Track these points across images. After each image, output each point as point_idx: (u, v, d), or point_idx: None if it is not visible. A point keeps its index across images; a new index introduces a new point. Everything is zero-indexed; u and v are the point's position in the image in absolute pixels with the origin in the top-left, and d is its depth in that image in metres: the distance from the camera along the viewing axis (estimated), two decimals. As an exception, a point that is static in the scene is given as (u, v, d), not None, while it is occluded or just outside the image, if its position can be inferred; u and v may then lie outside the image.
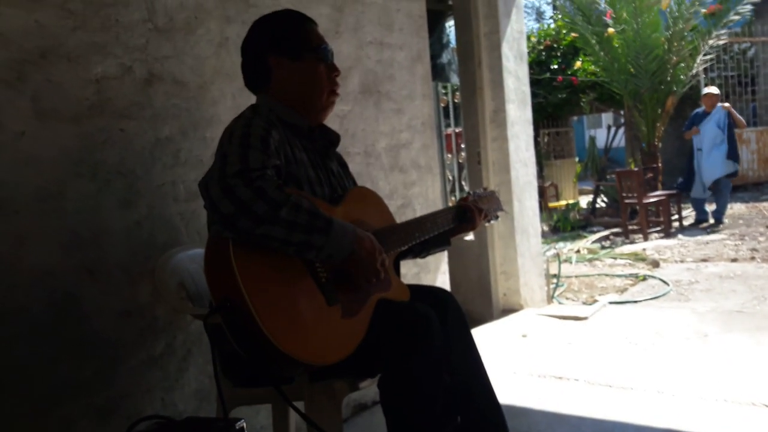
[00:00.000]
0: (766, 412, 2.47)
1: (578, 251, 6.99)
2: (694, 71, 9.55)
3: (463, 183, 4.69)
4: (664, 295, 4.74)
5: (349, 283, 1.58)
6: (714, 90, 8.35)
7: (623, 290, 5.08)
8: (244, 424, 1.53)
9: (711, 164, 7.98)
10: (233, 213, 1.37)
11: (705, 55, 9.47)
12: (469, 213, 2.03)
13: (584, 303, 4.73)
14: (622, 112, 11.55)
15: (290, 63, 1.75)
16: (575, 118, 15.62)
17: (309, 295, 1.50)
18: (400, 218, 1.95)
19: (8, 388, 1.68)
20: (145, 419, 1.49)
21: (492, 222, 2.22)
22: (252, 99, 2.34)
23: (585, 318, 4.08)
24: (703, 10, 9.56)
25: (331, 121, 2.28)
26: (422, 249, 2.03)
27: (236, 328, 1.39)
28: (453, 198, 4.66)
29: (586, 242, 7.61)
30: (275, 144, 1.58)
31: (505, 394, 2.64)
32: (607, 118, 17.37)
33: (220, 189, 1.39)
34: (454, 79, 4.79)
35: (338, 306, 1.55)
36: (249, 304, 1.36)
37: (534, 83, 6.46)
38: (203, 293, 1.86)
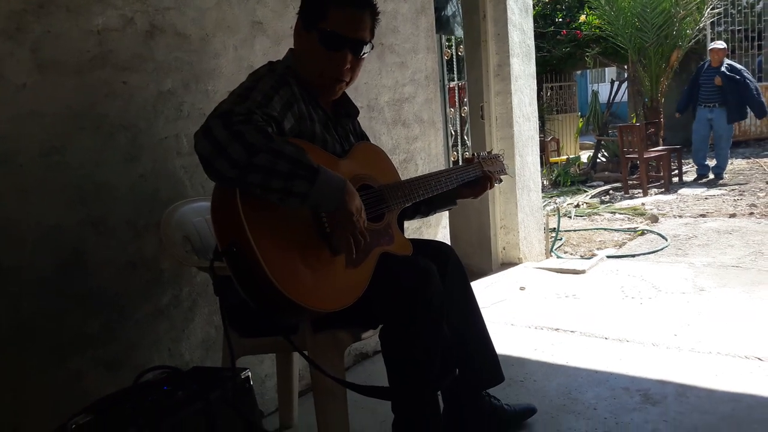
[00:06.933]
0: (758, 365, 2.53)
1: (578, 206, 7.02)
2: (701, 25, 9.40)
3: (466, 137, 4.66)
4: (661, 249, 4.78)
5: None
6: (720, 45, 8.28)
7: (621, 244, 5.12)
8: (249, 373, 1.58)
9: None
10: (210, 154, 1.36)
11: (712, 8, 9.30)
12: (482, 179, 2.05)
13: (582, 257, 4.78)
14: (626, 67, 11.40)
15: (303, 30, 1.73)
16: (578, 72, 15.42)
17: (313, 243, 1.53)
18: (402, 173, 1.95)
19: (17, 342, 1.71)
20: (152, 369, 1.53)
21: (496, 185, 2.23)
22: (253, 52, 2.33)
23: (583, 272, 4.13)
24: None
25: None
26: (429, 209, 2.05)
27: (241, 272, 1.41)
28: (455, 153, 4.64)
29: (586, 197, 7.63)
30: (282, 101, 1.57)
31: (503, 345, 2.71)
32: (610, 72, 17.14)
33: (201, 130, 1.38)
34: (459, 32, 4.71)
35: (342, 256, 1.57)
36: (254, 247, 1.37)
37: (538, 36, 6.35)
38: (208, 246, 1.89)
